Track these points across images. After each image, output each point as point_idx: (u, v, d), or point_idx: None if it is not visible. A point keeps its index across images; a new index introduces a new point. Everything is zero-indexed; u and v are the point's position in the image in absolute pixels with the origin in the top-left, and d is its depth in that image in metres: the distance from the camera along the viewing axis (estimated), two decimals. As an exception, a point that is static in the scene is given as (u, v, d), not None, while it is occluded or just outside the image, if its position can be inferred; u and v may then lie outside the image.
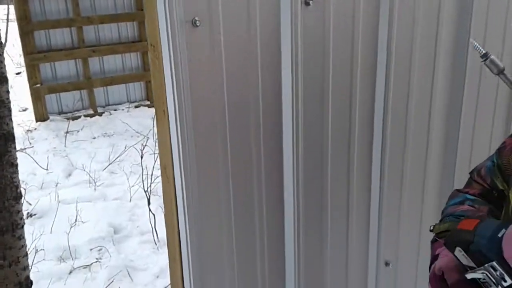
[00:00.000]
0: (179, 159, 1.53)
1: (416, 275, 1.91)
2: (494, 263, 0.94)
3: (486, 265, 0.95)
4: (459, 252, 1.02)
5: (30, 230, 4.24)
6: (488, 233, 0.97)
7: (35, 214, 4.66)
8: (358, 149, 1.74)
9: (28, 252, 3.61)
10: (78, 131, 7.16)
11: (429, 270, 1.09)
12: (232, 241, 1.64)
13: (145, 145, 4.93)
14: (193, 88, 1.48)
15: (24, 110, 8.43)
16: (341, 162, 1.73)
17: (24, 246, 2.42)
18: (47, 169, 5.77)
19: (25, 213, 4.58)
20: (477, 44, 1.23)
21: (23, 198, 2.59)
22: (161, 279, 3.60)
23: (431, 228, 1.14)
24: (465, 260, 1.00)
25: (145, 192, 4.39)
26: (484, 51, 1.21)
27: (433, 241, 1.13)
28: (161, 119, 1.63)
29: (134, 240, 4.31)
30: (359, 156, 1.75)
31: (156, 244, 4.15)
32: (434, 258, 1.12)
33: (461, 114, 1.88)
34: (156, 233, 4.17)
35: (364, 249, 1.85)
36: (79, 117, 7.65)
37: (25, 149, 6.28)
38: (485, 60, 1.21)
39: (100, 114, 7.80)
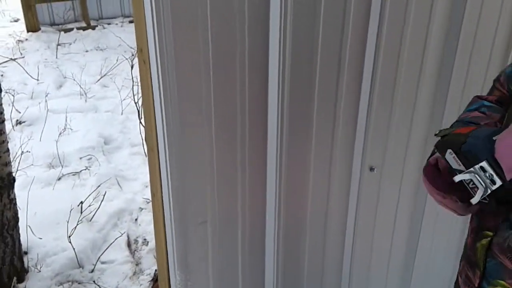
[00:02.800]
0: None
1: (401, 181, 1.87)
2: (484, 163, 0.88)
3: (475, 166, 0.89)
4: (449, 155, 0.95)
5: (18, 136, 4.21)
6: (482, 135, 0.92)
7: (24, 122, 4.60)
8: (350, 59, 1.62)
9: (15, 156, 3.61)
10: (70, 44, 6.95)
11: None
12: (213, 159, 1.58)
13: (135, 56, 4.77)
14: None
15: (16, 21, 8.15)
16: (331, 69, 1.62)
17: (5, 142, 2.37)
18: (37, 80, 5.64)
19: (14, 120, 4.53)
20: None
21: (6, 97, 2.51)
22: (149, 189, 3.61)
23: (437, 132, 1.07)
24: (455, 163, 0.94)
25: (136, 103, 4.31)
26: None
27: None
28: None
29: (125, 151, 4.29)
30: (349, 65, 1.63)
31: (146, 156, 4.13)
32: (431, 155, 1.08)
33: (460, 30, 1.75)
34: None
35: (349, 155, 1.80)
36: (72, 29, 7.40)
37: (16, 59, 6.11)
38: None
39: (93, 28, 7.54)
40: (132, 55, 5.00)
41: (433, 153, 1.08)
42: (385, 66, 1.67)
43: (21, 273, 2.70)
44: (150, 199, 3.47)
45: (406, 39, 1.65)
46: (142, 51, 1.52)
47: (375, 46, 1.62)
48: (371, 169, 1.82)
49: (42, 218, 3.14)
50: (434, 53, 1.71)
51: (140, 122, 4.26)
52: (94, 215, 3.26)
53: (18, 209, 2.64)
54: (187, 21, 1.35)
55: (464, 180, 0.92)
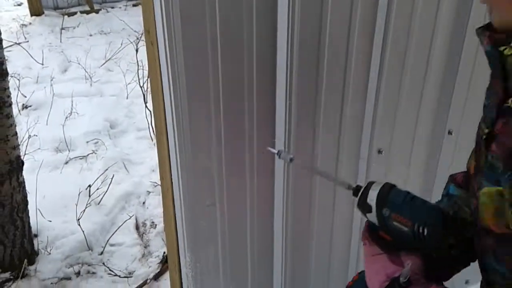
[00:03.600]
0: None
1: (409, 162, 1.87)
2: None
3: None
4: None
5: (25, 120, 4.22)
6: None
7: (30, 106, 4.62)
8: (357, 46, 1.61)
9: (22, 140, 3.62)
10: (74, 28, 6.93)
11: None
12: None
13: (140, 39, 4.75)
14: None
15: (19, 5, 8.12)
16: (338, 59, 1.60)
17: (13, 125, 2.38)
18: (42, 64, 5.64)
19: (20, 104, 4.54)
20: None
21: (11, 81, 2.51)
22: (156, 173, 3.59)
23: None
24: None
25: (141, 87, 4.30)
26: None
27: None
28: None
29: (131, 135, 4.31)
30: (357, 53, 1.62)
31: (152, 140, 4.15)
32: None
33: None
34: (153, 129, 4.15)
35: (357, 138, 1.79)
36: (75, 13, 7.37)
37: (20, 43, 6.10)
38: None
39: (97, 11, 7.50)
40: (137, 38, 4.97)
41: None
42: (393, 52, 1.66)
43: (32, 255, 2.74)
44: (157, 182, 3.50)
45: (416, 22, 1.63)
46: (149, 33, 1.51)
47: (383, 33, 1.61)
48: (379, 151, 1.82)
49: (51, 202, 3.17)
50: (442, 40, 1.69)
51: (146, 106, 4.26)
52: (102, 198, 3.28)
53: (27, 192, 2.67)
54: (194, 2, 1.34)
55: None
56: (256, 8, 1.41)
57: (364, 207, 0.99)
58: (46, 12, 7.32)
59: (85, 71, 5.34)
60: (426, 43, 1.73)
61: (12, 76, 4.91)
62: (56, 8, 7.57)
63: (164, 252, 2.86)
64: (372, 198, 0.97)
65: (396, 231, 0.94)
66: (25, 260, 2.66)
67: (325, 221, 1.90)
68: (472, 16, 1.75)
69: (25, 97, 4.72)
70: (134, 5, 7.77)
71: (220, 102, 1.49)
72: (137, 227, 3.17)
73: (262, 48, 1.47)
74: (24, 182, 2.61)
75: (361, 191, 1.01)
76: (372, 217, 0.98)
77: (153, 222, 3.20)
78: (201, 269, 1.75)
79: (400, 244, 0.96)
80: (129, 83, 4.96)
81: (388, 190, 0.97)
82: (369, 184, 1.00)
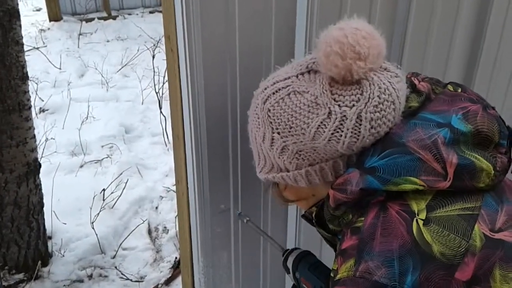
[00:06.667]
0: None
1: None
2: None
3: None
4: None
5: (42, 124, 4.28)
6: None
7: (47, 110, 4.68)
8: None
9: (39, 143, 3.67)
10: (91, 33, 7.03)
11: None
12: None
13: (157, 46, 4.81)
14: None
15: (38, 10, 8.26)
16: None
17: (31, 128, 2.42)
18: (60, 68, 5.72)
19: (37, 108, 4.61)
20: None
21: (29, 85, 2.55)
22: (170, 178, 3.65)
23: None
24: None
25: (157, 93, 4.35)
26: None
27: None
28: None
29: (145, 140, 4.34)
30: None
31: (166, 145, 4.18)
32: None
33: None
34: (167, 135, 4.18)
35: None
36: (93, 19, 7.48)
37: (38, 48, 6.20)
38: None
39: (114, 18, 7.61)
40: (154, 45, 5.03)
41: None
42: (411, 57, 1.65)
43: (45, 257, 2.77)
44: (170, 188, 3.52)
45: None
46: (169, 39, 1.53)
47: (401, 39, 1.61)
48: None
49: (66, 204, 3.20)
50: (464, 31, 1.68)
51: (161, 112, 4.30)
52: (115, 202, 3.31)
53: (43, 194, 2.70)
54: (215, 9, 1.35)
55: None
56: (275, 15, 1.42)
57: (285, 268, 1.19)
58: (64, 17, 7.44)
59: (102, 76, 5.41)
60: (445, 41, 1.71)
61: (30, 80, 4.98)
62: (74, 14, 7.69)
63: (176, 257, 2.87)
64: (289, 262, 1.16)
65: None
66: (39, 262, 2.69)
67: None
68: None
69: (43, 101, 4.79)
70: (151, 12, 7.87)
71: (237, 108, 1.50)
72: (149, 232, 3.19)
73: (281, 55, 1.48)
74: (40, 184, 2.65)
75: (284, 255, 1.20)
76: (291, 277, 1.17)
77: (165, 227, 3.22)
78: (213, 274, 1.75)
79: None
80: (145, 89, 5.01)
81: (301, 257, 1.15)
82: (292, 250, 1.19)
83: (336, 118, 0.76)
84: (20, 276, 2.65)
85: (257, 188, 1.68)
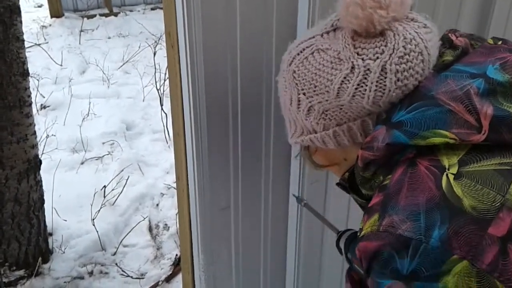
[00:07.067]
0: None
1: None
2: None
3: None
4: None
5: (43, 120, 4.28)
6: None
7: (48, 106, 4.68)
8: None
9: (40, 139, 3.67)
10: (93, 30, 7.02)
11: None
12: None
13: (158, 43, 4.79)
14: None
15: (39, 7, 8.25)
16: None
17: (32, 124, 2.42)
18: (61, 65, 5.72)
19: (38, 105, 4.61)
20: None
21: (30, 82, 2.55)
22: (171, 175, 3.65)
23: None
24: None
25: (158, 90, 4.34)
26: None
27: None
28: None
29: (146, 137, 4.34)
30: None
31: (167, 142, 4.17)
32: None
33: None
34: (168, 132, 4.18)
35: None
36: (94, 16, 7.46)
37: (40, 44, 6.19)
38: None
39: (116, 15, 7.60)
40: (155, 42, 5.02)
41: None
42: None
43: (46, 254, 2.77)
44: (171, 185, 3.52)
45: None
46: (170, 35, 1.52)
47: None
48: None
49: (66, 201, 3.20)
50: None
51: (162, 109, 4.29)
52: (116, 199, 3.31)
53: (43, 191, 2.70)
54: (216, 6, 1.35)
55: None
56: (276, 10, 1.41)
57: (338, 250, 1.19)
58: (66, 14, 7.43)
59: (103, 73, 5.40)
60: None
61: (31, 77, 4.98)
62: (75, 10, 7.69)
63: (177, 255, 2.87)
64: (342, 243, 1.16)
65: (359, 273, 1.01)
66: (40, 258, 2.69)
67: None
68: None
69: (44, 97, 4.78)
70: (152, 9, 7.85)
71: (238, 105, 1.50)
72: (150, 229, 3.19)
73: (282, 53, 1.47)
74: (41, 181, 2.64)
75: (337, 236, 1.20)
76: (344, 258, 1.16)
77: (166, 224, 3.22)
78: (214, 272, 1.75)
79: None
80: (146, 86, 5.00)
81: (352, 238, 1.13)
82: (344, 231, 1.19)
83: (359, 72, 0.73)
84: (21, 272, 2.65)
85: (257, 185, 1.67)
